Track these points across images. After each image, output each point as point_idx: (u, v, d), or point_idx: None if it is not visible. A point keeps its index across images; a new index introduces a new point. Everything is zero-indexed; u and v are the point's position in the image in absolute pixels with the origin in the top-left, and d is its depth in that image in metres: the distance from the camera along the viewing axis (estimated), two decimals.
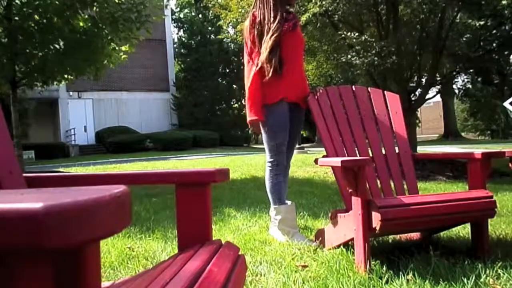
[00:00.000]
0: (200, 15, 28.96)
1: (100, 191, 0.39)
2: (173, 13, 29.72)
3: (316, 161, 2.41)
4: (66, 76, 7.82)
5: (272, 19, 2.66)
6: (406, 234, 2.62)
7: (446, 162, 6.82)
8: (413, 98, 7.55)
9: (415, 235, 2.61)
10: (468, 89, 20.64)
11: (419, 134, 16.90)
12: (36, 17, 6.71)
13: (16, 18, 6.76)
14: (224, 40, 24.54)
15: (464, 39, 7.50)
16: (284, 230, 2.70)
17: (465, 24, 7.13)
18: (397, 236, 2.66)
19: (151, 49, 23.94)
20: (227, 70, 27.72)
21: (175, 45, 28.31)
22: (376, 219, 1.90)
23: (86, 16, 7.09)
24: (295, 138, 2.93)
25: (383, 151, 2.63)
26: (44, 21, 6.70)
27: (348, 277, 1.87)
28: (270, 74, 2.62)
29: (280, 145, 2.73)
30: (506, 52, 7.87)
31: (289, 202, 2.81)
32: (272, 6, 2.69)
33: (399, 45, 6.62)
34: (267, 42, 2.62)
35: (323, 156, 2.46)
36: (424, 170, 6.52)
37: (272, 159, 2.78)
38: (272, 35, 2.63)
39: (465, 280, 1.75)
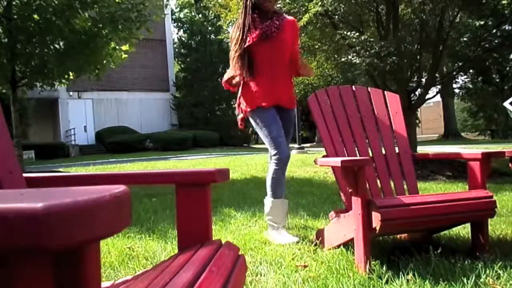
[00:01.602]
0: (200, 15, 28.95)
1: (100, 191, 0.39)
2: (173, 13, 29.73)
3: (316, 161, 2.41)
4: (66, 76, 7.82)
5: (238, 29, 2.80)
6: (406, 234, 2.62)
7: (446, 162, 6.82)
8: (413, 98, 7.55)
9: (415, 235, 2.61)
10: (469, 88, 20.68)
11: (419, 134, 16.90)
12: (36, 17, 6.71)
13: (16, 17, 6.77)
14: (224, 40, 24.50)
15: (464, 39, 7.50)
16: (272, 224, 2.76)
17: (465, 24, 7.13)
18: (397, 236, 2.66)
19: (151, 49, 23.95)
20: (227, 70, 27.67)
21: (175, 45, 28.31)
22: (376, 219, 1.90)
23: (87, 16, 7.09)
24: (286, 138, 2.92)
25: (383, 151, 2.63)
26: (44, 21, 6.70)
27: (348, 277, 1.87)
28: (243, 80, 2.83)
29: (276, 138, 2.75)
30: (506, 52, 7.87)
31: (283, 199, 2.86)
32: (242, 15, 2.81)
33: (399, 45, 6.62)
34: (232, 52, 2.83)
35: (323, 156, 2.46)
36: (424, 170, 6.52)
37: (274, 153, 2.77)
38: (235, 45, 2.78)
39: (465, 280, 1.75)
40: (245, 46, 2.74)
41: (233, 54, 2.80)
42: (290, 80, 2.93)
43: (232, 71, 2.85)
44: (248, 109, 2.84)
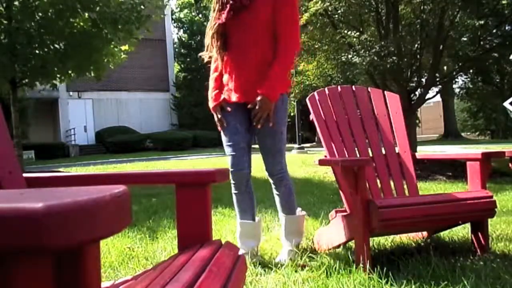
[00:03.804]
0: (200, 15, 28.94)
1: (100, 191, 0.39)
2: (173, 13, 29.72)
3: (316, 161, 2.40)
4: (66, 76, 7.83)
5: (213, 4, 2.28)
6: (406, 234, 2.62)
7: (446, 162, 6.82)
8: (413, 98, 7.55)
9: (415, 235, 2.61)
10: (469, 88, 20.67)
11: (419, 134, 16.90)
12: (36, 17, 6.72)
13: (15, 18, 6.77)
14: None
15: (464, 39, 7.51)
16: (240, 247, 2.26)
17: (465, 24, 7.14)
18: (397, 236, 2.66)
19: (151, 49, 23.94)
20: None
21: (175, 45, 28.32)
22: (376, 219, 1.90)
23: (86, 16, 7.10)
24: (265, 138, 2.25)
25: (383, 151, 2.63)
26: (44, 21, 6.70)
27: (348, 277, 1.87)
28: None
29: (228, 148, 2.25)
30: (506, 52, 7.87)
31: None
32: None
33: (399, 45, 6.62)
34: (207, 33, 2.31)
35: (324, 156, 2.46)
36: (424, 170, 6.52)
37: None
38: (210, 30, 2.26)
39: (465, 280, 1.75)
40: (216, 24, 2.18)
41: (208, 37, 2.25)
42: (266, 67, 2.16)
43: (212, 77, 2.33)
44: (212, 104, 2.29)
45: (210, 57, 2.33)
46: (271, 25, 2.16)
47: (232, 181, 2.24)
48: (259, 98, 2.12)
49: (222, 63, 2.26)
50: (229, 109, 2.23)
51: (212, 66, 2.35)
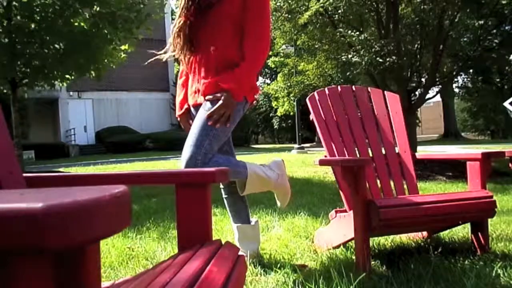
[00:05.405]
0: None
1: (100, 191, 0.39)
2: (173, 13, 29.73)
3: (316, 161, 2.41)
4: (67, 76, 7.83)
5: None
6: (406, 234, 2.62)
7: (446, 162, 6.82)
8: (413, 98, 7.55)
9: (415, 235, 2.61)
10: (469, 88, 20.70)
11: (419, 134, 16.90)
12: (36, 16, 6.72)
13: (16, 18, 6.78)
14: None
15: (464, 39, 7.52)
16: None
17: (465, 24, 7.15)
18: (397, 236, 2.66)
19: (151, 49, 23.91)
20: None
21: None
22: (376, 219, 1.90)
23: (87, 16, 7.10)
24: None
25: (383, 151, 2.63)
26: (44, 21, 6.71)
27: (348, 277, 1.87)
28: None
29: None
30: (505, 52, 7.88)
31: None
32: None
33: (399, 44, 6.63)
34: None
35: (324, 156, 2.46)
36: (424, 170, 6.52)
37: None
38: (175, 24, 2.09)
39: (465, 280, 1.75)
40: (181, 23, 2.01)
41: (172, 37, 2.08)
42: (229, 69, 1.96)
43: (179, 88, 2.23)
44: (177, 113, 2.23)
45: (173, 56, 2.15)
46: (238, 24, 1.96)
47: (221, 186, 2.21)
48: (223, 94, 1.88)
49: (187, 65, 2.08)
50: (190, 122, 2.10)
51: (180, 69, 2.25)
